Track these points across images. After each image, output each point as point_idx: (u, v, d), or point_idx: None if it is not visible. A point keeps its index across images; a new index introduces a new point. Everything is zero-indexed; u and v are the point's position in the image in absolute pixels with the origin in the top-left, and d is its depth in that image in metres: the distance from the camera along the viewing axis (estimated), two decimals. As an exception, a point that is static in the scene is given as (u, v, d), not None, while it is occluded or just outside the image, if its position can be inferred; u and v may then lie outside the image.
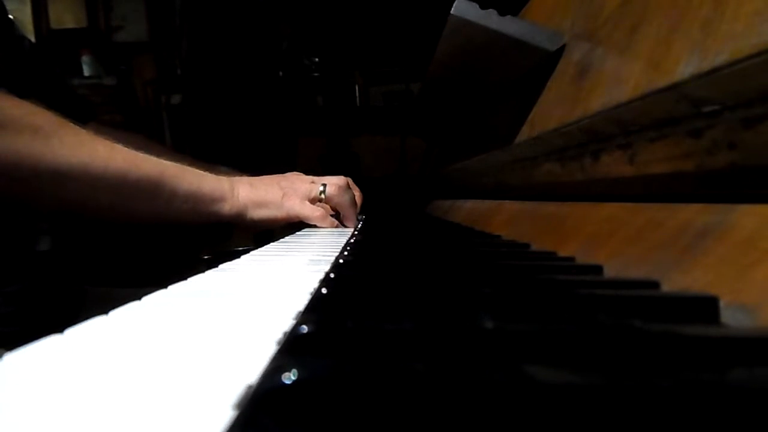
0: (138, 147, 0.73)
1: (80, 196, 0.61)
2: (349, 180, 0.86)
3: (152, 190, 0.66)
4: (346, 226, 0.82)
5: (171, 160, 0.76)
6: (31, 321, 0.66)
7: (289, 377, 0.13)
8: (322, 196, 0.79)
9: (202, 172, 0.73)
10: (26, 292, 0.68)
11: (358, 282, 0.29)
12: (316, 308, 0.23)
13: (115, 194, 0.63)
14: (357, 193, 0.86)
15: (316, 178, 0.82)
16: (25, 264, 0.71)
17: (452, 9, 0.57)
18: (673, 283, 0.26)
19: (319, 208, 0.79)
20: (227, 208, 0.73)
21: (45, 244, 0.78)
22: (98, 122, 0.93)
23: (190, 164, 0.75)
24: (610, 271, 0.32)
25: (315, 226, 0.80)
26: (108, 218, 0.69)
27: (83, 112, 0.88)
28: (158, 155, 0.73)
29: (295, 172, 0.83)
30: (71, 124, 0.61)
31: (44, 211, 0.68)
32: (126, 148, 0.65)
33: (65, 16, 2.81)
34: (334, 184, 0.81)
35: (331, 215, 0.81)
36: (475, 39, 0.59)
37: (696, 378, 0.14)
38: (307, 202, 0.78)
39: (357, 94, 2.42)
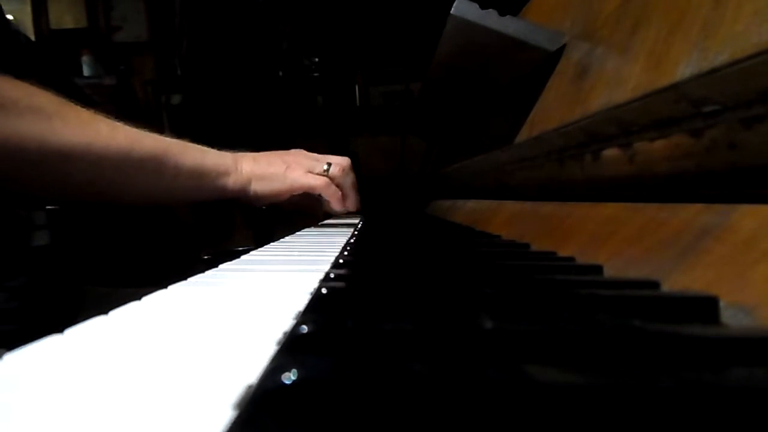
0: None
1: (85, 175, 0.61)
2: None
3: (156, 166, 0.65)
4: (346, 207, 0.80)
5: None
6: (31, 319, 0.66)
7: (289, 377, 0.13)
8: (326, 174, 0.78)
9: (204, 147, 0.72)
10: (25, 289, 0.68)
11: (357, 282, 0.29)
12: (316, 308, 0.23)
13: (119, 172, 0.63)
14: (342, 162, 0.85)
15: (320, 156, 0.81)
16: (23, 258, 0.70)
17: (452, 9, 0.57)
18: (673, 283, 0.26)
19: (322, 177, 0.77)
20: (231, 182, 0.73)
21: (43, 239, 0.78)
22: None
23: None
24: (610, 271, 0.32)
25: (316, 225, 0.80)
26: (114, 198, 0.68)
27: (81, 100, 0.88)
28: None
29: (298, 149, 0.82)
30: (72, 104, 0.60)
31: (50, 194, 0.67)
32: (128, 126, 0.64)
33: (65, 16, 2.81)
34: (338, 163, 0.80)
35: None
36: (475, 39, 0.59)
37: (696, 378, 0.14)
38: (310, 173, 0.77)
39: (357, 94, 2.42)
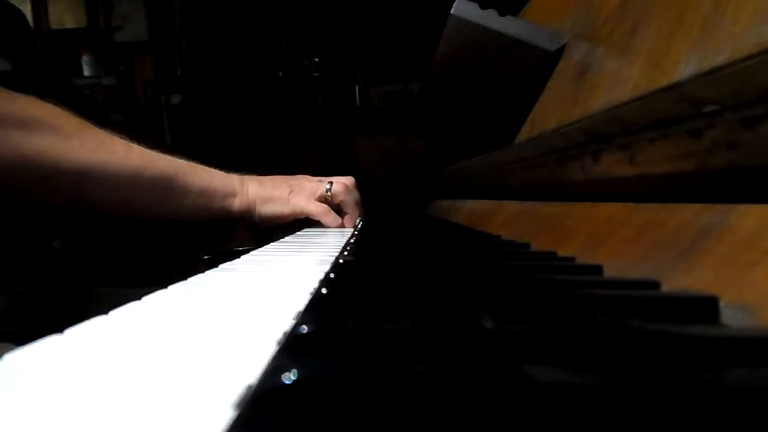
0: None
1: (99, 193, 0.63)
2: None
3: (167, 186, 0.68)
4: (345, 225, 0.82)
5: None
6: (38, 321, 0.66)
7: (289, 377, 0.13)
8: (329, 194, 0.81)
9: (212, 169, 0.75)
10: (34, 293, 0.68)
11: (358, 282, 0.29)
12: (316, 308, 0.23)
13: (132, 191, 0.65)
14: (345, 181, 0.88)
15: (324, 179, 0.84)
16: (34, 265, 0.71)
17: (452, 9, 0.57)
18: (673, 283, 0.26)
19: (324, 205, 0.80)
20: (237, 203, 0.75)
21: (54, 245, 0.79)
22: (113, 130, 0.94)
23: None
24: (610, 271, 0.32)
25: (320, 225, 0.80)
26: (125, 215, 0.71)
27: (97, 118, 0.89)
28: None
29: (303, 175, 0.85)
30: (90, 124, 0.63)
31: (64, 208, 0.69)
32: (141, 147, 0.67)
33: (65, 16, 2.81)
34: (340, 182, 0.83)
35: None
36: (475, 39, 0.59)
37: (696, 378, 0.14)
38: (313, 200, 0.80)
39: (357, 94, 2.41)
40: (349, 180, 0.84)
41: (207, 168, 0.74)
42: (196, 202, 0.71)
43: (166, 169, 0.68)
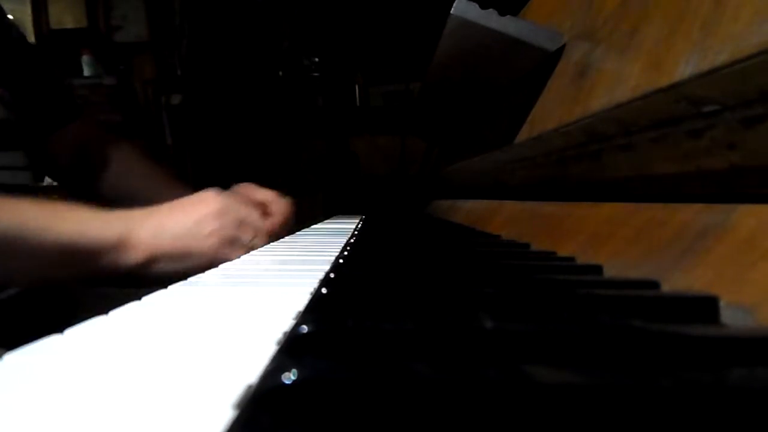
0: (126, 156, 0.71)
1: None
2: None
3: (8, 245, 0.54)
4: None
5: (159, 174, 0.74)
6: (31, 320, 0.66)
7: (289, 377, 0.13)
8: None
9: (90, 215, 0.58)
10: (24, 293, 0.68)
11: (358, 282, 0.29)
12: (316, 308, 0.23)
13: None
14: (278, 218, 0.66)
15: (252, 201, 0.64)
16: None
17: (452, 9, 0.57)
18: (673, 283, 0.26)
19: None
20: (123, 259, 0.57)
21: None
22: (89, 121, 0.90)
23: (166, 181, 0.72)
24: (610, 271, 0.32)
25: (315, 226, 0.80)
26: None
27: (68, 109, 0.86)
28: (147, 167, 0.73)
29: (246, 187, 0.68)
30: None
31: None
32: None
33: (65, 16, 2.81)
34: (281, 212, 0.66)
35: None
36: (475, 39, 0.59)
37: (696, 378, 0.14)
38: (238, 247, 0.58)
39: (357, 94, 2.42)
40: (286, 211, 0.66)
41: (82, 215, 0.58)
42: (57, 260, 0.56)
43: (9, 224, 0.54)
